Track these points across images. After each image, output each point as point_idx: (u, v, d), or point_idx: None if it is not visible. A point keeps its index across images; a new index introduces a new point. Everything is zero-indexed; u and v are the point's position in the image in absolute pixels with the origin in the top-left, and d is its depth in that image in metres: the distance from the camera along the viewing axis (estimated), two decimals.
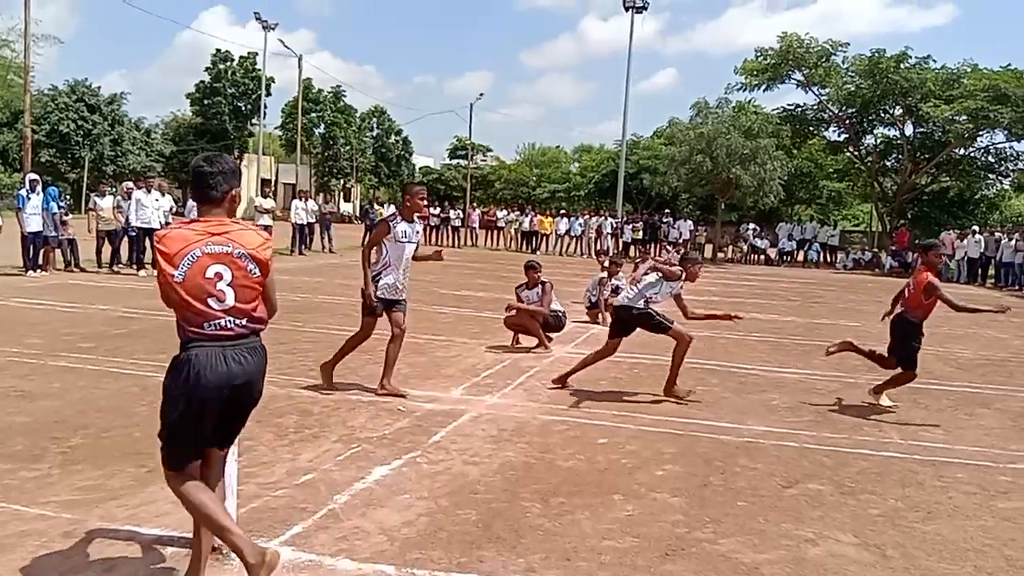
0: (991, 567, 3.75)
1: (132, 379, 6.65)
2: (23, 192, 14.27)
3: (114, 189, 18.06)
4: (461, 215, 34.81)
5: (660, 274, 7.09)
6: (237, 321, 3.02)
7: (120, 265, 15.77)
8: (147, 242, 15.38)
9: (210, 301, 2.97)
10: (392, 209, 6.38)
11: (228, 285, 2.99)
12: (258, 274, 3.07)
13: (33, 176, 14.92)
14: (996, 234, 26.61)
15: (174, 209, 19.09)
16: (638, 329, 7.16)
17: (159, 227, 15.72)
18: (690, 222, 33.22)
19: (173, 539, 3.63)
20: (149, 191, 15.97)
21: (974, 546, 3.99)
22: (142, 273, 15.03)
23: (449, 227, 33.09)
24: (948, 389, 8.06)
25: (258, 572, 2.96)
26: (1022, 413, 6.99)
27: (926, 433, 6.26)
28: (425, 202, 6.76)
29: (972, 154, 35.52)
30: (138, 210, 15.40)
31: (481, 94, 70.90)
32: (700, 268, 7.40)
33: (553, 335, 9.57)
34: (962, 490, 4.86)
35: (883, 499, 4.63)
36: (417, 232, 6.67)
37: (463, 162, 63.37)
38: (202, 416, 3.03)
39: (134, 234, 15.64)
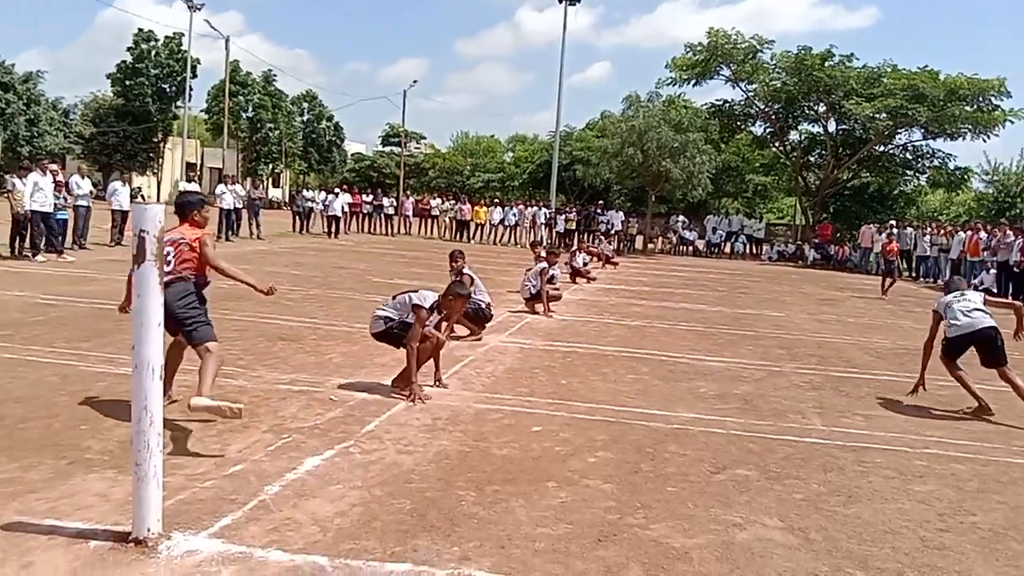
0: (907, 548, 3.91)
1: (51, 368, 6.40)
2: None
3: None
4: (395, 203, 34.49)
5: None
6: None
7: (30, 251, 14.90)
8: (43, 226, 14.69)
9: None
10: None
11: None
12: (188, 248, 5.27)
13: None
14: (908, 228, 27.63)
15: (93, 193, 18.40)
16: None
17: (51, 211, 14.95)
18: (621, 213, 33.61)
19: (96, 532, 3.51)
20: (45, 173, 15.07)
21: (892, 528, 4.15)
22: (40, 258, 14.38)
23: (382, 215, 32.75)
24: (868, 377, 8.36)
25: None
26: (937, 401, 7.30)
27: (847, 420, 6.49)
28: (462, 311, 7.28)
29: (891, 151, 36.86)
30: (34, 193, 14.60)
31: (415, 81, 70.66)
32: None
33: (485, 325, 9.50)
34: (881, 474, 5.05)
35: (807, 484, 4.79)
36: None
37: (396, 149, 62.86)
38: None
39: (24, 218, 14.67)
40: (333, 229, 28.29)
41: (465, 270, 9.56)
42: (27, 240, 14.75)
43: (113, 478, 4.13)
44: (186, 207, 5.43)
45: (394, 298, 6.58)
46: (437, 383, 6.68)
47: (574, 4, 35.90)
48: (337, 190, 31.11)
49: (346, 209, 29.99)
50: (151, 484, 3.42)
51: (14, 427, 4.89)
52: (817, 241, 33.07)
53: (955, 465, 5.37)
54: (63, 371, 6.34)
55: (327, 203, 28.88)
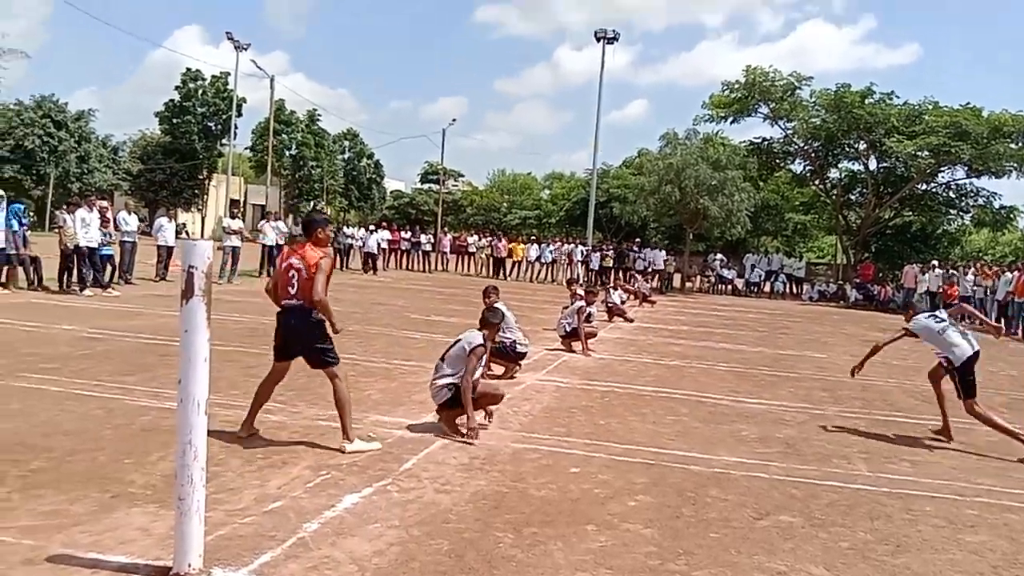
0: None
1: (97, 401, 6.52)
2: None
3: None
4: (432, 240, 34.78)
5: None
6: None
7: (77, 286, 15.16)
8: (88, 261, 14.99)
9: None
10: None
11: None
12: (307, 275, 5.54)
13: None
14: (951, 271, 26.92)
15: (140, 229, 18.81)
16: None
17: (97, 247, 15.28)
18: (663, 252, 33.21)
19: (138, 567, 3.54)
20: (92, 209, 15.41)
21: None
22: (87, 292, 14.67)
23: (420, 252, 33.04)
24: (914, 422, 8.16)
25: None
26: (986, 447, 7.10)
27: (893, 465, 6.33)
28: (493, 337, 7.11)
29: (934, 189, 36.37)
30: (82, 228, 14.94)
31: (454, 119, 71.29)
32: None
33: (520, 363, 9.45)
34: (930, 523, 4.91)
35: (853, 532, 4.66)
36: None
37: (435, 187, 63.54)
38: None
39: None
40: (371, 265, 28.60)
41: (497, 305, 9.52)
42: (74, 274, 15.09)
43: (155, 512, 4.17)
44: (312, 224, 5.85)
45: (443, 360, 6.50)
46: (487, 417, 6.67)
47: (612, 43, 36.17)
48: (372, 227, 31.50)
49: (384, 246, 30.32)
50: (193, 519, 3.44)
51: (62, 459, 4.98)
52: (859, 281, 32.58)
53: (1008, 515, 5.20)
54: (109, 405, 6.44)
55: (364, 240, 29.28)
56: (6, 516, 4.03)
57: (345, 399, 5.67)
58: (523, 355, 9.50)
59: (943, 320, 7.52)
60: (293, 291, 5.60)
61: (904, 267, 31.20)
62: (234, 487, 4.69)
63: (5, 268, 14.27)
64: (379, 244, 29.55)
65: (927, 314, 7.67)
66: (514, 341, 9.27)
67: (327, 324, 5.64)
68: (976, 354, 7.23)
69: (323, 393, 7.44)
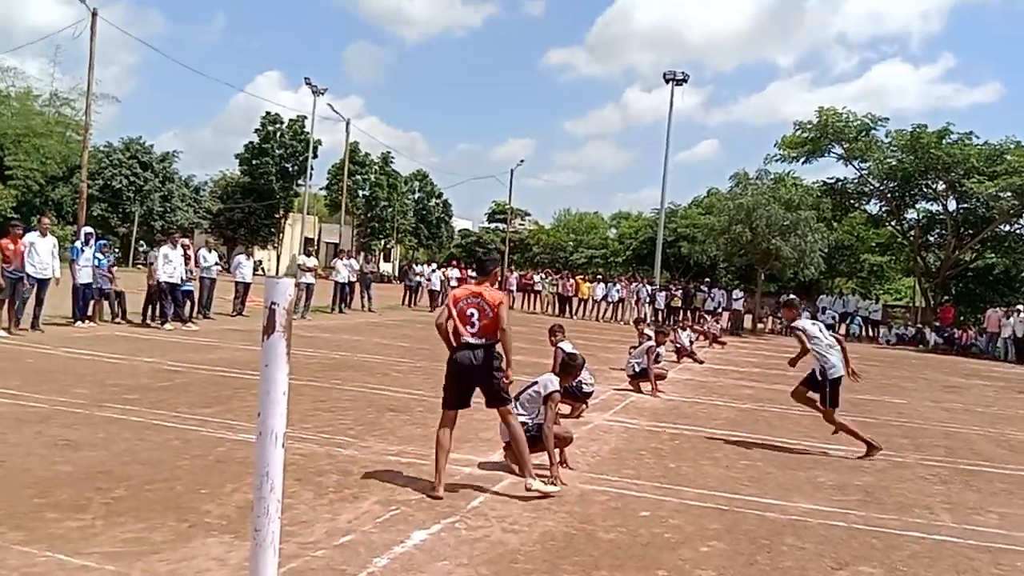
0: None
1: (175, 432, 6.70)
2: (78, 244, 14.68)
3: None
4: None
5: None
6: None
7: (158, 320, 15.64)
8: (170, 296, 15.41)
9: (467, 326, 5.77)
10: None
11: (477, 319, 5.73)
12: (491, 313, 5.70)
13: (88, 229, 15.37)
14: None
15: (220, 266, 19.44)
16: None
17: (179, 283, 15.72)
18: (741, 292, 32.32)
19: None
20: (175, 246, 15.85)
21: None
22: (168, 326, 15.11)
23: None
24: (1001, 472, 7.79)
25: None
26: None
27: (979, 517, 6.04)
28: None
29: (1018, 231, 35.01)
30: (164, 265, 15.36)
31: (522, 160, 72.22)
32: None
33: (587, 403, 9.37)
34: None
35: None
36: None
37: (502, 226, 64.17)
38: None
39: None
40: (438, 302, 28.97)
41: (561, 344, 9.48)
42: (157, 308, 15.64)
43: (230, 543, 4.25)
44: (489, 264, 6.13)
45: (517, 399, 6.51)
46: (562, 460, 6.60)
47: (680, 84, 36.18)
48: (434, 264, 32.01)
49: (454, 284, 30.67)
50: (268, 551, 3.48)
51: (141, 488, 5.12)
52: (939, 324, 31.44)
53: None
54: (186, 435, 6.62)
55: (428, 276, 29.85)
56: (90, 542, 4.16)
57: (522, 438, 5.79)
58: (589, 394, 9.43)
59: (831, 337, 8.31)
60: (474, 330, 5.75)
61: (987, 311, 30.04)
62: (306, 520, 4.75)
63: (92, 302, 14.89)
64: (442, 281, 29.85)
65: (812, 322, 8.53)
66: (580, 381, 9.20)
67: (503, 363, 5.80)
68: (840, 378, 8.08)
69: (392, 428, 7.54)
